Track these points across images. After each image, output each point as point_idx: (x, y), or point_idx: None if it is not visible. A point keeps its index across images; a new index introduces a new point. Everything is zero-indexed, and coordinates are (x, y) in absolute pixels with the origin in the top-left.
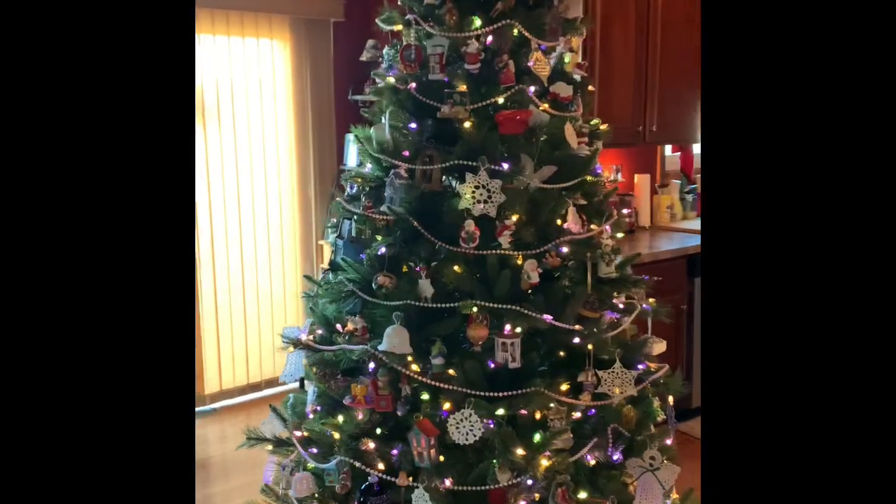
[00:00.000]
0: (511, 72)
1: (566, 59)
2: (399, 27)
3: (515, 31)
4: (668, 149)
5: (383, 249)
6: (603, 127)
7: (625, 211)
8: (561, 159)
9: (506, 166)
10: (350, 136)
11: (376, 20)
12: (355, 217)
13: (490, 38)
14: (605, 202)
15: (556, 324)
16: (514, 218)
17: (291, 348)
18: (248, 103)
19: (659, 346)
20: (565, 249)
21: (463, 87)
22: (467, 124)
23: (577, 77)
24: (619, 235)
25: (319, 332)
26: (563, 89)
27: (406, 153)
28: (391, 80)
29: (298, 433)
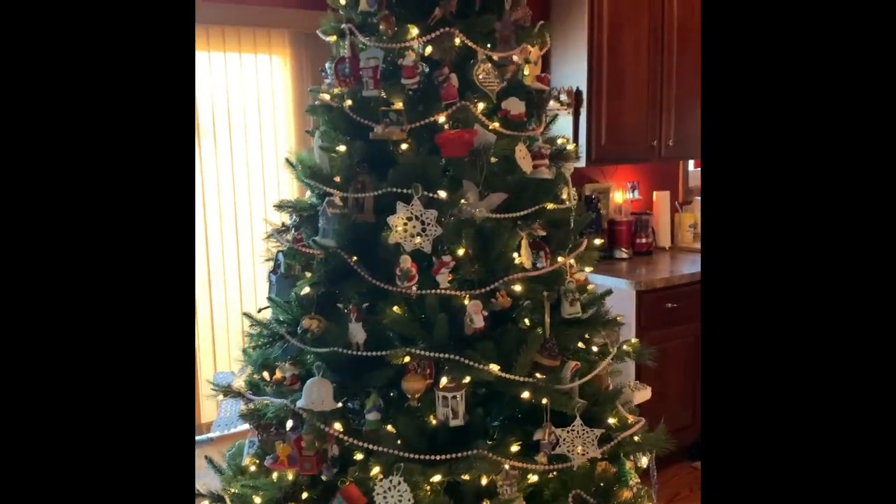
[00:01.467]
0: (453, 86)
1: (525, 72)
2: (333, 38)
3: (458, 41)
4: (690, 163)
5: (307, 289)
6: (570, 147)
7: (596, 241)
8: (515, 185)
9: (443, 194)
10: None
11: (317, 31)
12: (285, 250)
13: (430, 49)
14: (573, 232)
15: (503, 375)
16: (460, 252)
17: (221, 396)
18: (245, 121)
19: (641, 395)
20: (518, 288)
21: (399, 105)
22: (404, 146)
23: (544, 92)
24: (588, 270)
25: (256, 377)
26: (514, 106)
27: (338, 179)
28: (326, 96)
29: (234, 490)
